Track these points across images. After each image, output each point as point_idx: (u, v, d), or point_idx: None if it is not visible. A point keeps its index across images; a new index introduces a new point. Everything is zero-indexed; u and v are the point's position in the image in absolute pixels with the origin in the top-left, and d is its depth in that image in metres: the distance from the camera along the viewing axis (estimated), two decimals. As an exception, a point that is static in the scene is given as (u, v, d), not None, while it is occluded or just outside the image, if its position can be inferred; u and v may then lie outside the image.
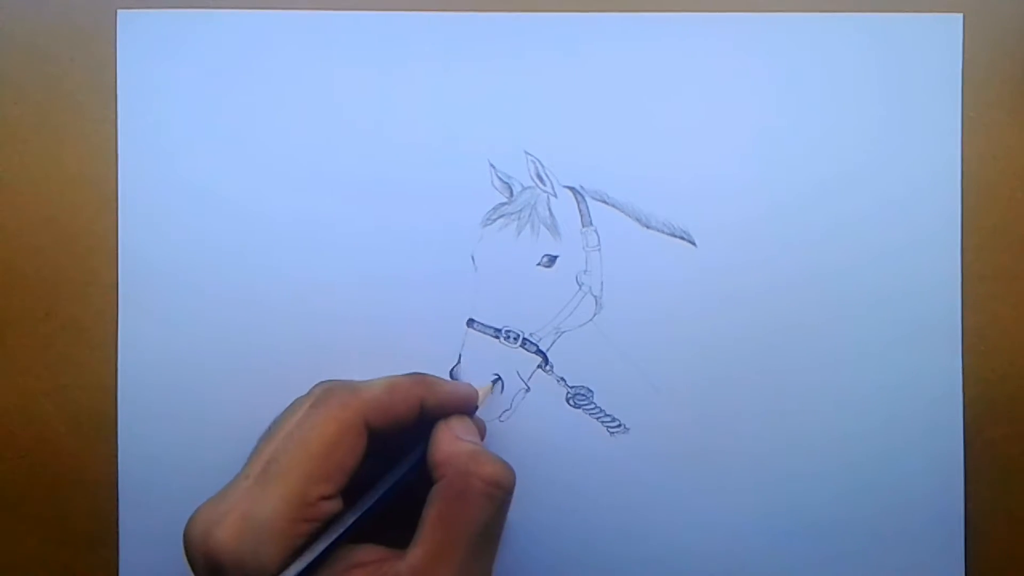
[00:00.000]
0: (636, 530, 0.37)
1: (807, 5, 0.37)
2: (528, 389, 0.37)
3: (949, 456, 0.37)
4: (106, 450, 0.37)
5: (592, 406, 0.37)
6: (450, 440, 0.32)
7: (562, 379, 0.37)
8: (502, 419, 0.37)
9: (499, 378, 0.37)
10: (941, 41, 0.37)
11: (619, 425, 0.37)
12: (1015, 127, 0.37)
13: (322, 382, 0.32)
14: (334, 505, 0.29)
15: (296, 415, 0.30)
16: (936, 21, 0.37)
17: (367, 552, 0.29)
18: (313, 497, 0.28)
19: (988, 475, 0.37)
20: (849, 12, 0.37)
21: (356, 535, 0.30)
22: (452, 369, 0.37)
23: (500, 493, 0.30)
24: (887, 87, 0.37)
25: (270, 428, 0.31)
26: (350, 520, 0.29)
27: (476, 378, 0.37)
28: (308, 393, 0.32)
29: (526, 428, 0.37)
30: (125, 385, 0.37)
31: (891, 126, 0.37)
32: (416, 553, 0.29)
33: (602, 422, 0.37)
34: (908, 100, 0.37)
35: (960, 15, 0.37)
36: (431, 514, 0.29)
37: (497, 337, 0.37)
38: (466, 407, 0.33)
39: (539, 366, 0.37)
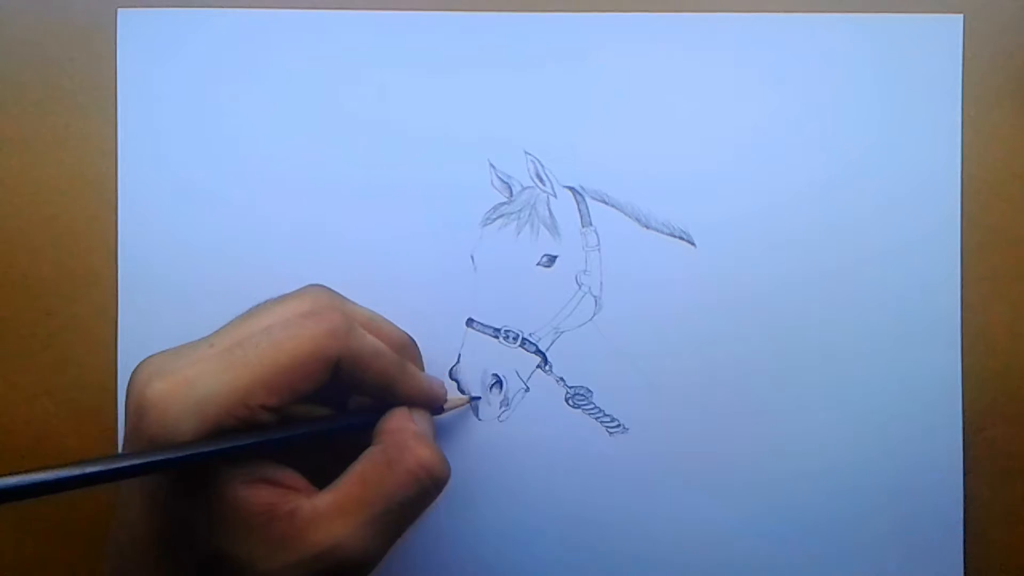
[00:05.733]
0: (635, 530, 0.37)
1: (807, 5, 0.37)
2: (527, 389, 0.37)
3: (948, 455, 0.37)
4: (106, 450, 0.37)
5: (591, 406, 0.37)
6: (403, 417, 0.31)
7: (561, 379, 0.37)
8: (501, 419, 0.37)
9: (499, 379, 0.37)
10: (941, 41, 0.37)
11: (618, 425, 0.37)
12: (1015, 127, 0.37)
13: (320, 288, 0.32)
14: (268, 418, 0.28)
15: (285, 311, 0.30)
16: (936, 21, 0.37)
17: (284, 474, 0.29)
18: (255, 402, 0.27)
19: (988, 474, 0.37)
20: (849, 12, 0.37)
21: (287, 459, 0.29)
22: (451, 369, 0.37)
23: (427, 480, 0.30)
24: (887, 87, 0.37)
25: (255, 308, 0.31)
26: (277, 435, 0.28)
27: (476, 378, 0.37)
28: (305, 294, 0.31)
29: (525, 428, 0.37)
30: (125, 385, 0.37)
31: (891, 126, 0.37)
32: (324, 498, 0.28)
33: (601, 422, 0.37)
34: (908, 100, 0.37)
35: (960, 15, 0.37)
36: (354, 470, 0.29)
37: (496, 337, 0.37)
38: (427, 406, 0.33)
39: (538, 366, 0.37)
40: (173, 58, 0.37)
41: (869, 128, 0.37)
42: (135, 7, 0.37)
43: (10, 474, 0.24)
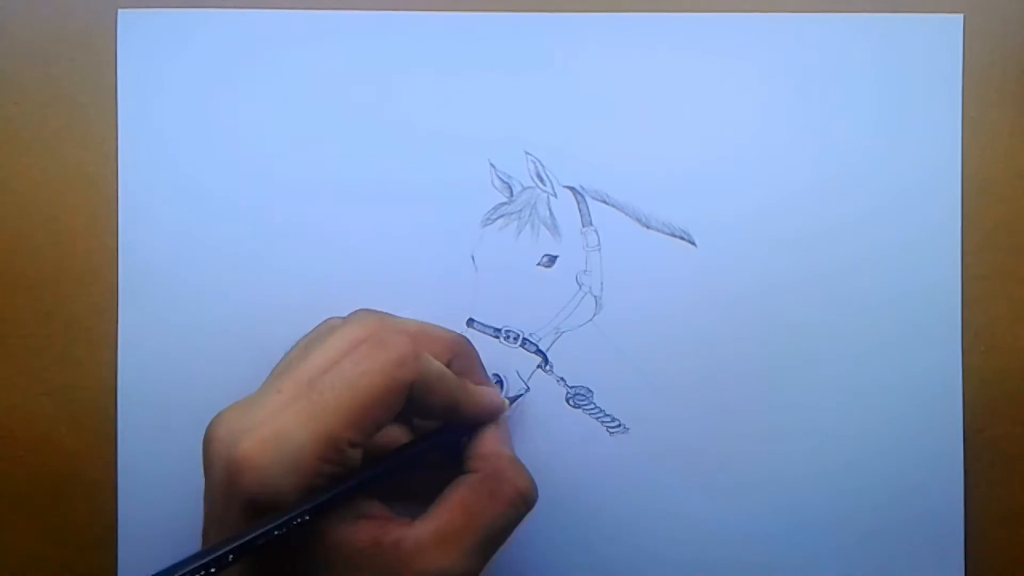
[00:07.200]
0: (636, 530, 0.37)
1: (807, 5, 0.37)
2: (528, 389, 0.37)
3: (949, 455, 0.37)
4: (106, 450, 0.37)
5: (592, 406, 0.37)
6: (496, 441, 0.32)
7: (562, 379, 0.37)
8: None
9: (499, 379, 0.37)
10: (941, 41, 0.37)
11: (619, 425, 0.37)
12: (1015, 127, 0.37)
13: (368, 312, 0.32)
14: (357, 454, 0.28)
15: (344, 343, 0.29)
16: (936, 21, 0.37)
17: (375, 507, 0.29)
18: (343, 442, 0.27)
19: (988, 475, 0.37)
20: (849, 12, 0.37)
21: (366, 492, 0.30)
22: (452, 369, 0.37)
23: (524, 508, 0.31)
24: (887, 87, 0.37)
25: (306, 344, 0.31)
26: (369, 473, 0.29)
27: (476, 378, 0.37)
28: (356, 321, 0.31)
29: (526, 428, 0.37)
30: (125, 385, 0.37)
31: (891, 126, 0.37)
32: (426, 527, 0.29)
33: (602, 422, 0.37)
34: (908, 100, 0.37)
35: (960, 15, 0.37)
36: (454, 498, 0.30)
37: (497, 337, 0.37)
38: (489, 420, 0.34)
39: (539, 366, 0.37)
40: (173, 58, 0.37)
41: (869, 128, 0.37)
42: (135, 7, 0.37)
43: None
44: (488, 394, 0.34)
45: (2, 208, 0.38)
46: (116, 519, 0.37)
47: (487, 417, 0.33)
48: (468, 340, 0.34)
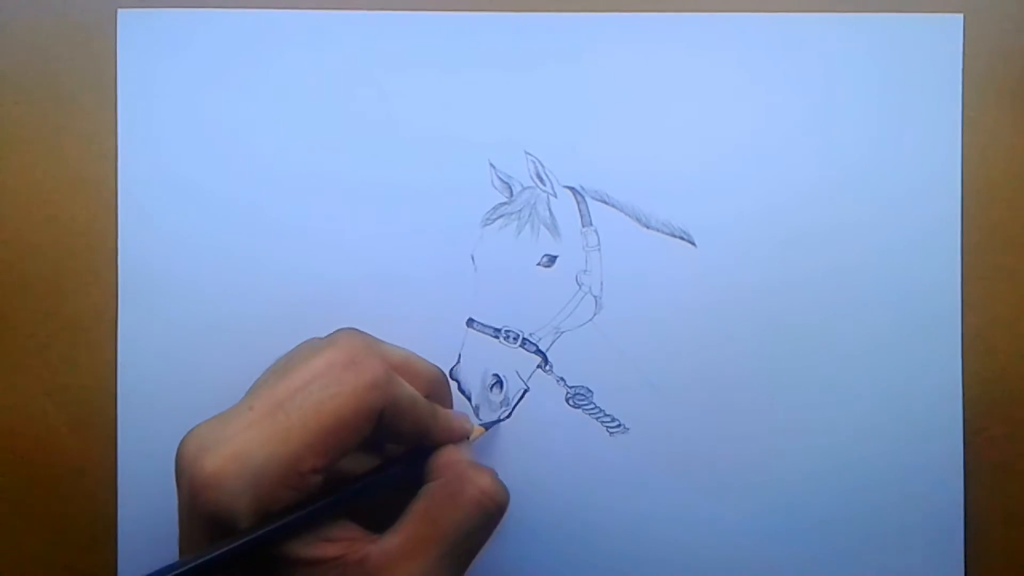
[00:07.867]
0: (635, 530, 0.37)
1: (807, 5, 0.37)
2: (527, 389, 0.37)
3: (948, 455, 0.37)
4: (106, 450, 0.37)
5: (592, 406, 0.37)
6: (454, 450, 0.32)
7: (562, 379, 0.37)
8: (502, 419, 0.37)
9: (499, 379, 0.37)
10: (941, 41, 0.37)
11: (619, 425, 0.37)
12: (1015, 127, 0.37)
13: (352, 332, 0.31)
14: (319, 479, 0.28)
15: (321, 364, 0.29)
16: (936, 21, 0.37)
17: (341, 528, 0.29)
18: (306, 467, 0.27)
19: (988, 475, 0.37)
20: (849, 12, 0.37)
21: (330, 515, 0.29)
22: (452, 369, 0.37)
23: (492, 506, 0.30)
24: (887, 87, 0.37)
25: (286, 362, 0.30)
26: (328, 500, 0.28)
27: (476, 378, 0.37)
28: (338, 341, 0.30)
29: (526, 428, 0.37)
30: (125, 385, 0.37)
31: (891, 126, 0.37)
32: (391, 540, 0.28)
33: (602, 422, 0.37)
34: (908, 100, 0.37)
35: (960, 15, 0.37)
36: (417, 507, 0.29)
37: (497, 337, 0.37)
38: (457, 440, 0.33)
39: (539, 366, 0.37)
40: (173, 58, 0.37)
41: (869, 128, 0.37)
42: (135, 7, 0.37)
43: None
44: (458, 418, 0.34)
45: (2, 208, 0.38)
46: (116, 519, 0.37)
47: (454, 441, 0.33)
48: (446, 375, 0.35)
